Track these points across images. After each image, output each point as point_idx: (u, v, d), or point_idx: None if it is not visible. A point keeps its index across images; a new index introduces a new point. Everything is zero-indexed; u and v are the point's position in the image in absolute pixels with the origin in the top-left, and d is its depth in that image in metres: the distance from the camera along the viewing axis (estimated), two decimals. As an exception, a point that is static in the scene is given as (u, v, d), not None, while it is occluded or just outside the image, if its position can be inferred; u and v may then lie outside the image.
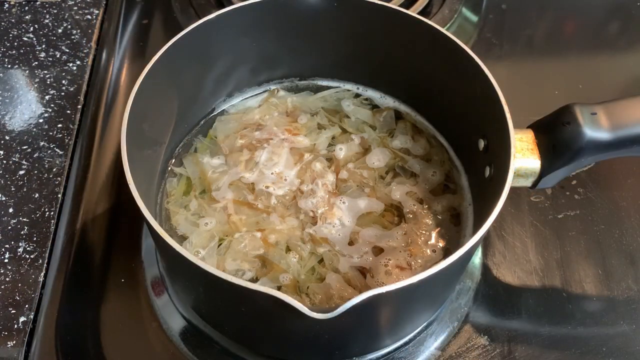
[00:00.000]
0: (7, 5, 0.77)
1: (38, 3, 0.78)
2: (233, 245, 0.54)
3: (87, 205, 0.59)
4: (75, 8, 0.78)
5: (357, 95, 0.66)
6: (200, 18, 0.55)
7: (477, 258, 0.58)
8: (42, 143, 0.64)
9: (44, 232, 0.57)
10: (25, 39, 0.74)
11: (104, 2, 0.78)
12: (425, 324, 0.53)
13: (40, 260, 0.56)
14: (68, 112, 0.67)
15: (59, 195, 0.60)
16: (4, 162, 0.63)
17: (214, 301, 0.49)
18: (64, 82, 0.70)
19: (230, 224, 0.55)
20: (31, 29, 0.75)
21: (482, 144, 0.53)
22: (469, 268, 0.57)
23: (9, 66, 0.71)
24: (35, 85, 0.69)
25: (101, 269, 0.56)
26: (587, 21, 0.80)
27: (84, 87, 0.69)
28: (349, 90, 0.66)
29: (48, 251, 0.56)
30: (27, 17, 0.76)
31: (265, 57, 0.63)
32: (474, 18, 0.79)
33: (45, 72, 0.70)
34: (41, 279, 0.54)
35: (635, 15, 0.80)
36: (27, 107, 0.67)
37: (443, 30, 0.54)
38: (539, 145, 0.49)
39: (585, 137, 0.46)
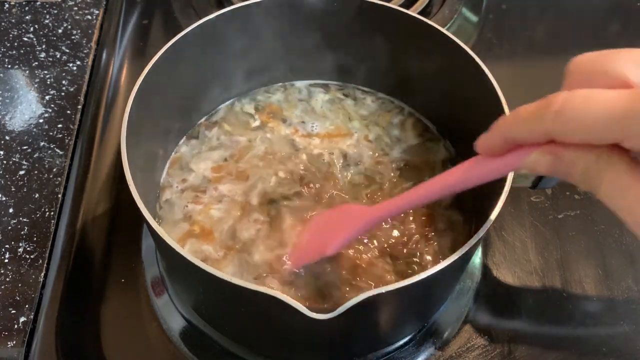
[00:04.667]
0: (7, 6, 0.77)
1: (38, 3, 0.78)
2: None
3: (87, 205, 0.59)
4: (76, 8, 0.78)
5: (356, 96, 0.66)
6: (200, 18, 0.55)
7: (477, 258, 0.58)
8: (42, 143, 0.64)
9: (44, 232, 0.57)
10: (25, 39, 0.74)
11: (104, 2, 0.78)
12: (425, 323, 0.53)
13: (40, 260, 0.56)
14: (68, 112, 0.67)
15: (59, 195, 0.60)
16: (4, 162, 0.63)
17: (214, 301, 0.49)
18: (64, 82, 0.70)
19: None
20: (31, 29, 0.75)
21: (482, 144, 0.53)
22: (469, 268, 0.57)
23: (9, 66, 0.71)
24: (36, 86, 0.69)
25: (101, 269, 0.56)
26: (587, 21, 0.80)
27: (84, 87, 0.69)
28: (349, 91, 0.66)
29: (48, 251, 0.56)
30: (27, 17, 0.76)
31: (265, 58, 0.63)
32: (474, 18, 0.79)
33: (46, 72, 0.71)
34: (41, 279, 0.54)
35: (635, 15, 0.80)
36: (27, 107, 0.67)
37: (443, 30, 0.54)
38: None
39: (585, 137, 0.46)
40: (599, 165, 0.29)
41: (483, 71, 0.51)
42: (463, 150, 0.60)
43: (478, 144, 0.35)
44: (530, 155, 0.32)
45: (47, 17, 0.76)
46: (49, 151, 0.63)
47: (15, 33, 0.74)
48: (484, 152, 0.35)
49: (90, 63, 0.72)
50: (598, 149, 0.29)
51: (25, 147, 0.64)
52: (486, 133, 0.34)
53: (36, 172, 0.62)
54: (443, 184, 0.39)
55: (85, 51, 0.73)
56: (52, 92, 0.69)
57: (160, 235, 0.41)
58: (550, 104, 0.29)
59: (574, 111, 0.28)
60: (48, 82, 0.70)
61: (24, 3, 0.77)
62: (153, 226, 0.41)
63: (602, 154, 0.29)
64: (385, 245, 0.53)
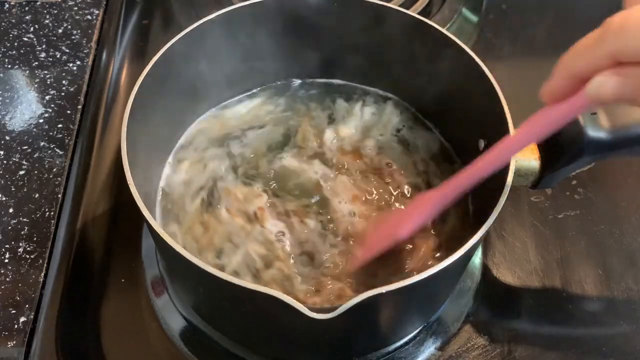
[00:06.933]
0: (7, 6, 0.77)
1: (38, 3, 0.78)
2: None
3: (87, 205, 0.59)
4: (76, 8, 0.78)
5: (356, 96, 0.66)
6: (200, 18, 0.55)
7: (477, 258, 0.58)
8: (42, 143, 0.64)
9: (44, 232, 0.57)
10: (25, 39, 0.74)
11: (104, 2, 0.78)
12: (425, 323, 0.53)
13: (40, 260, 0.56)
14: (68, 112, 0.67)
15: (59, 195, 0.60)
16: (4, 162, 0.63)
17: (214, 301, 0.49)
18: (64, 82, 0.70)
19: None
20: (31, 29, 0.75)
21: (482, 144, 0.53)
22: (469, 268, 0.57)
23: (9, 66, 0.71)
24: (36, 86, 0.69)
25: (101, 269, 0.56)
26: (587, 21, 0.80)
27: (84, 87, 0.69)
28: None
29: (48, 251, 0.56)
30: (27, 17, 0.76)
31: (265, 57, 0.63)
32: (474, 18, 0.79)
33: (46, 72, 0.71)
34: (41, 279, 0.54)
35: (636, 15, 0.80)
36: (27, 107, 0.67)
37: (443, 30, 0.54)
38: (539, 146, 0.49)
39: (586, 138, 0.46)
40: None
41: (483, 71, 0.51)
42: (463, 151, 0.60)
43: (542, 92, 0.33)
44: (595, 80, 0.29)
45: (47, 17, 0.76)
46: (49, 151, 0.63)
47: (15, 33, 0.74)
48: (550, 98, 0.33)
49: (90, 63, 0.72)
50: None
51: (25, 147, 0.64)
52: (549, 79, 0.32)
53: (36, 172, 0.62)
54: (509, 145, 0.37)
55: (85, 51, 0.73)
56: (52, 92, 0.69)
57: (160, 235, 0.41)
58: (609, 24, 0.28)
59: (637, 24, 0.27)
60: (48, 82, 0.70)
61: (24, 3, 0.77)
62: (153, 226, 0.41)
63: None
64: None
